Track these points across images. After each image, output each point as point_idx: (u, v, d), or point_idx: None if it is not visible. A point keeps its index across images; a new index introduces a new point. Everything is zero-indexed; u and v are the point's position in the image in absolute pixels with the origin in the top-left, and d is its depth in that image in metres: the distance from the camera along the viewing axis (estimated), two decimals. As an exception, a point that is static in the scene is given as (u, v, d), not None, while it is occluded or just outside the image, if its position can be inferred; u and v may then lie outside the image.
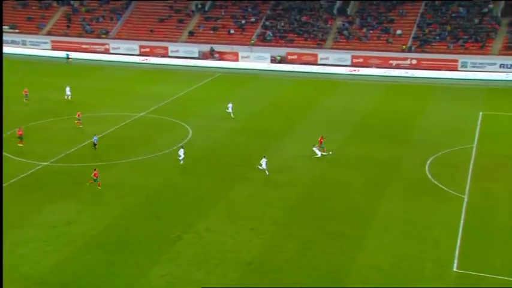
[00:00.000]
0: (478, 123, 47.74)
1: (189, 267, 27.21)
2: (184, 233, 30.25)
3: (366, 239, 29.61)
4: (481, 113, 50.12)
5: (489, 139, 43.88)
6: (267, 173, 37.16)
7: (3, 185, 34.62)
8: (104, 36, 79.38)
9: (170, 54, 75.67)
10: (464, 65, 65.62)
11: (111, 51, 77.55)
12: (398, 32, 71.20)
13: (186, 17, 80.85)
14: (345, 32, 73.32)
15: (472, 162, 39.47)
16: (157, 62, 73.78)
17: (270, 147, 42.83)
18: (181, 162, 38.82)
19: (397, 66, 67.54)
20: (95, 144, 41.56)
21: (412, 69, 66.42)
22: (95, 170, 35.60)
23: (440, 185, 35.70)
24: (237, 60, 73.88)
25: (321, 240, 29.73)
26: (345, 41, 72.51)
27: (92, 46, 78.21)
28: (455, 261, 27.33)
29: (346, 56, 70.14)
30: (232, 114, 49.32)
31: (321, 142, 40.81)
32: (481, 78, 62.79)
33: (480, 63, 64.99)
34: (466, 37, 67.95)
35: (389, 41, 70.71)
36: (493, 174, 37.18)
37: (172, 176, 37.56)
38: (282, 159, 40.38)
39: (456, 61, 65.84)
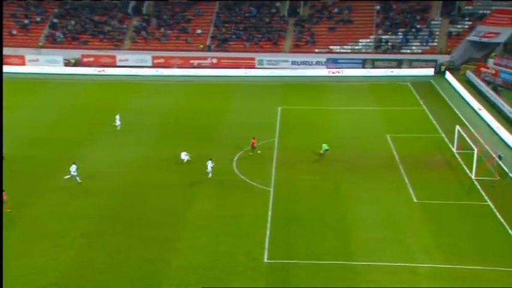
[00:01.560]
0: (278, 117, 51.30)
1: (-19, 301, 24.28)
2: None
3: (180, 241, 29.74)
4: (279, 108, 54.01)
5: (288, 132, 47.43)
6: (210, 175, 36.91)
7: None
8: None
9: None
10: (260, 62, 70.10)
11: None
12: (198, 31, 73.04)
13: (-51, 15, 72.16)
14: (143, 32, 72.75)
15: (275, 155, 42.22)
16: None
17: (73, 155, 40.51)
18: (68, 177, 36.19)
19: (199, 66, 69.34)
20: None
21: (213, 68, 68.82)
22: (3, 191, 31.40)
23: (248, 180, 37.48)
24: (23, 64, 68.39)
25: (134, 247, 29.06)
26: (143, 41, 71.94)
27: None
28: (266, 252, 28.92)
29: (146, 57, 69.67)
30: (118, 126, 46.38)
31: (253, 144, 40.96)
32: (277, 74, 67.73)
33: (275, 61, 70.05)
34: (259, 36, 72.55)
35: (189, 40, 72.13)
36: (294, 166, 40.22)
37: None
38: (87, 167, 38.46)
39: (253, 59, 69.98)
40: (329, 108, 54.19)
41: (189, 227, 31.27)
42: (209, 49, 71.31)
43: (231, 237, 30.38)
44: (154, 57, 69.80)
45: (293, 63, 69.68)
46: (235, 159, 41.00)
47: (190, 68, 68.84)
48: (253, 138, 41.80)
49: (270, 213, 33.08)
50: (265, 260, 28.25)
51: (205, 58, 70.23)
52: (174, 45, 71.53)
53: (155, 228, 31.03)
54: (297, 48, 71.38)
